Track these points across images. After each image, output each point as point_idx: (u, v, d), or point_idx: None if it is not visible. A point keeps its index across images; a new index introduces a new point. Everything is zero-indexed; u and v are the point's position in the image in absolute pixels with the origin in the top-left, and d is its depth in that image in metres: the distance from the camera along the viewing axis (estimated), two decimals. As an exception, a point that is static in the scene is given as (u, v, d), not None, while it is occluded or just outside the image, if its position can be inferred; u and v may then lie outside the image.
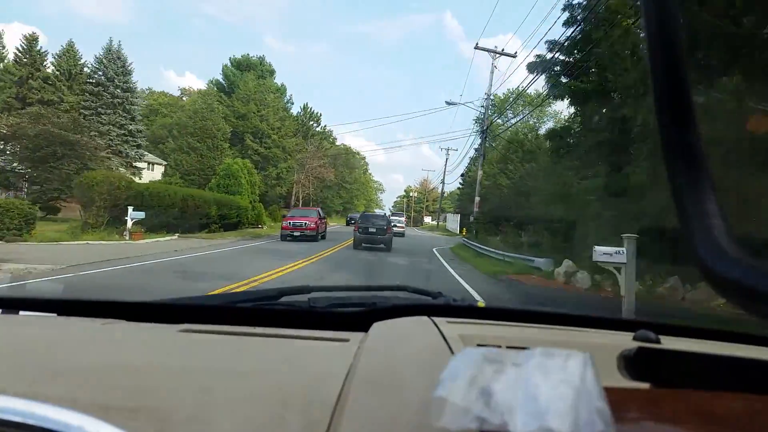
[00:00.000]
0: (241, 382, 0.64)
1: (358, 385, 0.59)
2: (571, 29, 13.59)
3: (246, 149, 43.50)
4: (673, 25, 0.32)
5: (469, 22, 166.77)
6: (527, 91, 27.20)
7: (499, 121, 36.27)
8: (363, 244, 19.71)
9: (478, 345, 0.81)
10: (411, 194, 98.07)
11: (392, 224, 21.93)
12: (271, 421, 0.52)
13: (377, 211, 72.98)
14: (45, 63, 34.44)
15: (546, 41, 14.86)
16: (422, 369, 0.64)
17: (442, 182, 68.13)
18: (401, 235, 34.00)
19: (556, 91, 16.19)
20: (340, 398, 0.56)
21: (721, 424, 0.42)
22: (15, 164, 23.64)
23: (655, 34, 0.32)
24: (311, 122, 58.97)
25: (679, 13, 0.33)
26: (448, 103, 40.32)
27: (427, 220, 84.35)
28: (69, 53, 35.08)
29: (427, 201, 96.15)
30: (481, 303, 1.26)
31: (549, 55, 14.81)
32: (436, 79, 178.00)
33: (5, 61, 35.12)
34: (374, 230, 19.77)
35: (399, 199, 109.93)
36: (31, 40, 33.83)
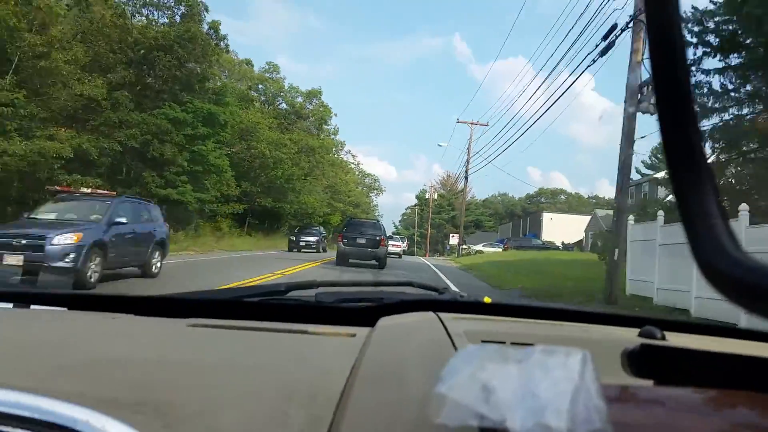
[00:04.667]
0: (247, 377, 0.65)
1: (362, 380, 0.60)
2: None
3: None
4: (674, 26, 0.32)
5: (477, 44, 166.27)
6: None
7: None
8: (350, 260, 15.42)
9: (483, 341, 0.81)
10: (429, 195, 58.29)
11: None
12: (275, 416, 0.52)
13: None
14: None
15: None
16: (426, 365, 0.64)
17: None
18: (397, 256, 28.54)
19: None
20: (343, 393, 0.56)
21: (726, 422, 0.41)
22: None
23: (656, 35, 0.33)
24: None
25: (681, 14, 0.33)
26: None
27: (454, 241, 44.73)
28: None
29: (451, 208, 58.28)
30: (487, 299, 1.26)
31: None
32: (445, 99, 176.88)
33: None
34: (364, 241, 15.32)
35: (408, 210, 74.67)
36: None
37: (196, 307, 1.11)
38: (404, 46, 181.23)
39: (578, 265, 17.73)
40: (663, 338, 0.85)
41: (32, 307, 1.13)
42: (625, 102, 10.20)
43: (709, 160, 0.29)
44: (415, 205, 68.83)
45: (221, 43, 24.21)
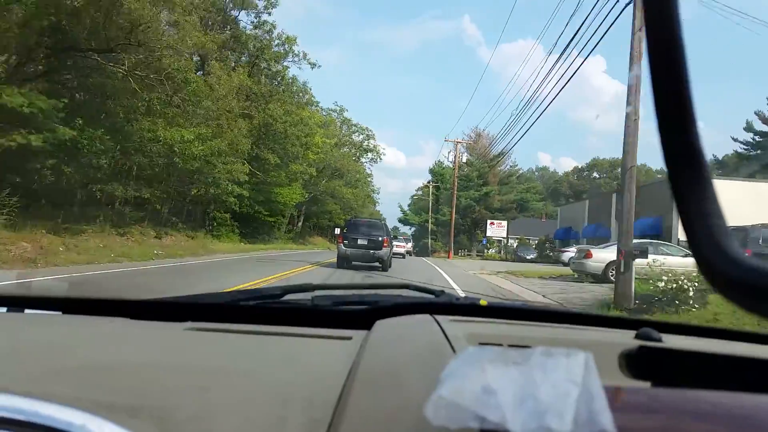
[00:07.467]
0: (243, 381, 0.65)
1: (360, 383, 0.60)
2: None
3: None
4: (673, 25, 0.32)
5: (487, 26, 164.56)
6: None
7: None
8: (353, 262, 14.46)
9: (480, 344, 0.81)
10: (454, 156, 34.47)
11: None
12: (272, 420, 0.52)
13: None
14: None
15: None
16: (424, 368, 0.64)
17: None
18: (401, 256, 25.63)
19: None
20: (341, 397, 0.56)
21: (722, 423, 0.41)
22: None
23: (656, 34, 0.33)
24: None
25: (680, 12, 0.33)
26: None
27: (493, 232, 32.12)
28: None
29: (483, 182, 38.22)
30: (483, 301, 1.26)
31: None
32: (453, 84, 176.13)
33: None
34: (365, 242, 14.27)
35: (420, 192, 55.86)
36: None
37: (192, 311, 1.10)
38: (411, 30, 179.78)
39: None
40: (659, 340, 0.85)
41: (27, 311, 1.13)
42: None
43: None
44: (429, 182, 46.39)
45: None
